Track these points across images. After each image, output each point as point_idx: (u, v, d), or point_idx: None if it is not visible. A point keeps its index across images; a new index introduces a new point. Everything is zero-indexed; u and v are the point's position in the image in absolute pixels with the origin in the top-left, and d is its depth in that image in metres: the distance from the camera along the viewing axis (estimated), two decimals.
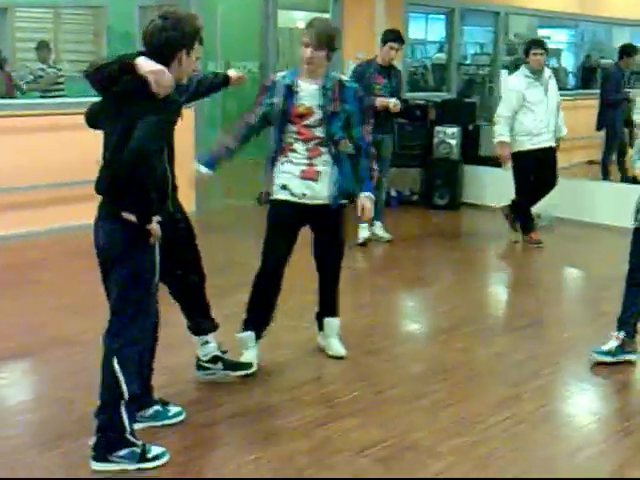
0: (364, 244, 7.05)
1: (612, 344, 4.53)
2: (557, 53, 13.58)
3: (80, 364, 4.36)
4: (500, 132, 7.11)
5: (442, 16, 11.75)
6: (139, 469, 3.31)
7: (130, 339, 3.32)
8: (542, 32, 13.62)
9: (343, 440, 3.60)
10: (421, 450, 3.54)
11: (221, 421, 3.78)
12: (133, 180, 3.10)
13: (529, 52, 7.11)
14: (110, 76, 3.17)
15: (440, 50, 12.43)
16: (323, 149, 4.17)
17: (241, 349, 4.31)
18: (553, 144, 7.20)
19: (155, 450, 3.38)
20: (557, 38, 14.60)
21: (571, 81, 14.17)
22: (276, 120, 4.18)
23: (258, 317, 4.32)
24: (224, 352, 4.14)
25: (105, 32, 10.93)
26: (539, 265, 6.92)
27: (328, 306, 4.55)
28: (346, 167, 4.22)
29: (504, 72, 11.26)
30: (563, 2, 11.66)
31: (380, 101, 6.98)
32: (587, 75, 13.74)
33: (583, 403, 4.28)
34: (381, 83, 7.12)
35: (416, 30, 11.86)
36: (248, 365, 4.20)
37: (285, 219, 4.22)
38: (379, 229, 7.31)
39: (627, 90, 9.54)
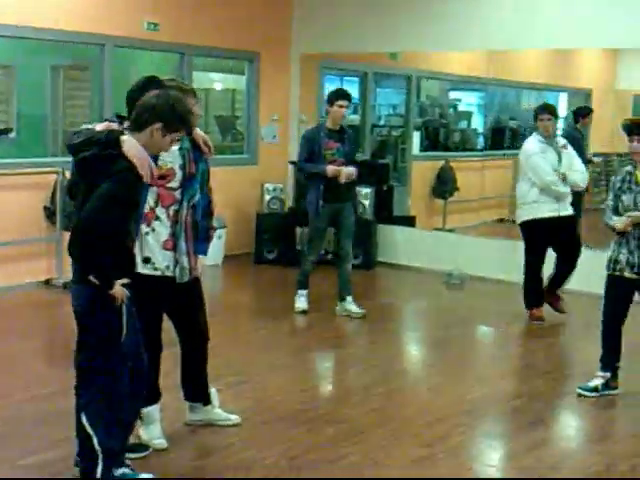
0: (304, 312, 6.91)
1: (598, 382, 5.04)
2: (468, 115, 13.98)
3: None
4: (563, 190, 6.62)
5: (356, 78, 11.99)
6: None
7: (96, 395, 3.36)
8: (453, 94, 14.02)
9: None
10: None
11: None
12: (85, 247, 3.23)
13: (537, 118, 6.74)
14: (83, 144, 3.31)
15: (354, 111, 12.65)
16: None
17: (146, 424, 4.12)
18: (569, 212, 6.74)
19: None
20: (467, 100, 15.03)
21: (481, 142, 14.58)
22: None
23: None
24: None
25: (15, 91, 10.75)
26: (452, 322, 6.98)
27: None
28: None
29: (416, 134, 11.55)
30: (472, 66, 12.02)
31: (331, 169, 6.55)
32: (496, 136, 14.15)
33: (493, 462, 4.30)
34: (333, 148, 6.68)
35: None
36: (144, 447, 4.05)
37: None
38: (350, 304, 6.88)
39: (590, 153, 9.56)
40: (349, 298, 6.89)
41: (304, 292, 7.00)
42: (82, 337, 3.41)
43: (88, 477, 3.41)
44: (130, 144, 3.31)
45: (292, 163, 9.60)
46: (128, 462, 3.62)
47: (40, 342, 5.79)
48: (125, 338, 3.42)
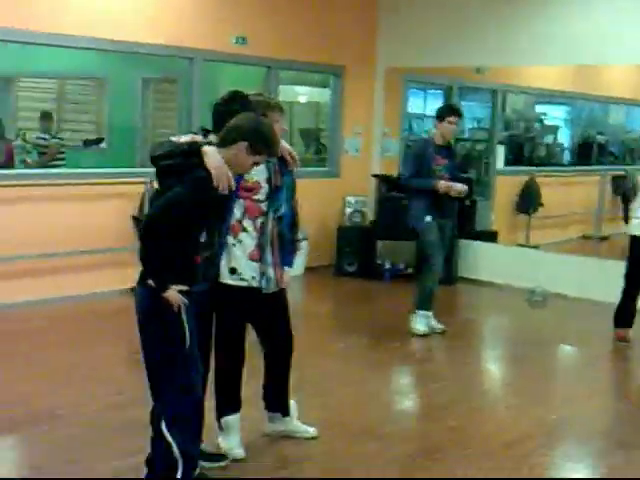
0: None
1: None
2: (554, 129, 13.76)
3: (61, 439, 4.32)
4: None
5: (440, 91, 11.94)
6: None
7: (172, 403, 3.40)
8: (539, 108, 13.82)
9: None
10: None
11: None
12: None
13: None
14: (167, 154, 3.41)
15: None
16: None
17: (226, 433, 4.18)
18: None
19: None
20: (554, 114, 14.80)
21: (567, 157, 14.32)
22: None
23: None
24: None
25: (106, 103, 11.09)
26: (533, 340, 6.87)
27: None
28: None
29: (501, 148, 11.42)
30: (559, 80, 11.84)
31: (443, 185, 6.48)
32: (583, 151, 13.88)
33: None
34: (442, 164, 6.60)
35: (414, 104, 12.02)
36: (223, 456, 4.10)
37: None
38: (432, 320, 6.80)
39: None
40: (430, 313, 6.81)
41: (429, 313, 6.78)
42: (141, 337, 3.44)
43: None
44: (211, 155, 3.37)
45: (375, 176, 9.64)
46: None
47: (123, 349, 5.93)
48: (191, 346, 3.43)
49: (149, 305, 3.39)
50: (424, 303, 6.75)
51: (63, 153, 9.35)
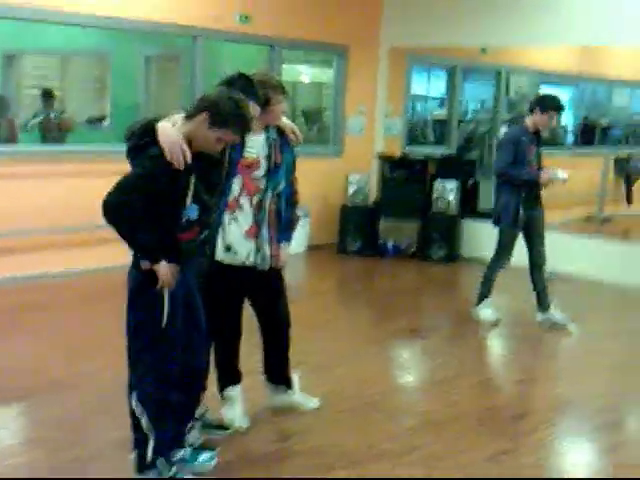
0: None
1: None
2: None
3: (74, 408, 4.38)
4: None
5: (444, 72, 11.91)
6: None
7: (144, 376, 3.41)
8: (543, 89, 13.79)
9: None
10: None
11: (210, 472, 3.72)
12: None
13: None
14: (131, 132, 3.33)
15: (441, 105, 12.57)
16: None
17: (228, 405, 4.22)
18: None
19: None
20: (558, 96, 14.77)
21: (570, 138, 14.30)
22: None
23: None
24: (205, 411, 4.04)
25: (109, 80, 11.07)
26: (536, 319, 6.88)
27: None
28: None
29: (503, 128, 11.38)
30: (564, 61, 11.80)
31: (546, 177, 6.20)
32: (586, 133, 13.87)
33: (579, 459, 4.24)
34: (532, 153, 6.30)
35: (417, 85, 11.99)
36: (226, 427, 4.13)
37: None
38: (556, 313, 6.54)
39: None
40: (553, 306, 6.59)
41: (489, 300, 6.67)
42: (127, 317, 3.44)
43: (140, 459, 3.45)
44: (162, 130, 3.26)
45: (380, 157, 9.63)
46: (188, 444, 3.66)
47: None
48: (170, 327, 3.39)
49: (133, 286, 3.39)
50: (489, 291, 6.65)
51: (66, 131, 9.35)
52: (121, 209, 3.21)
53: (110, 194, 3.22)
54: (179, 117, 3.40)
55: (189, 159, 3.26)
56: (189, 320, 3.50)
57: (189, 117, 3.33)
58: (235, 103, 3.31)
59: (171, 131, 3.27)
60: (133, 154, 3.32)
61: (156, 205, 3.26)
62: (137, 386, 3.43)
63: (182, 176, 3.28)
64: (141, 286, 3.37)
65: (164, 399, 3.44)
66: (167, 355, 3.42)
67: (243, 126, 3.35)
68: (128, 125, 3.44)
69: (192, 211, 3.36)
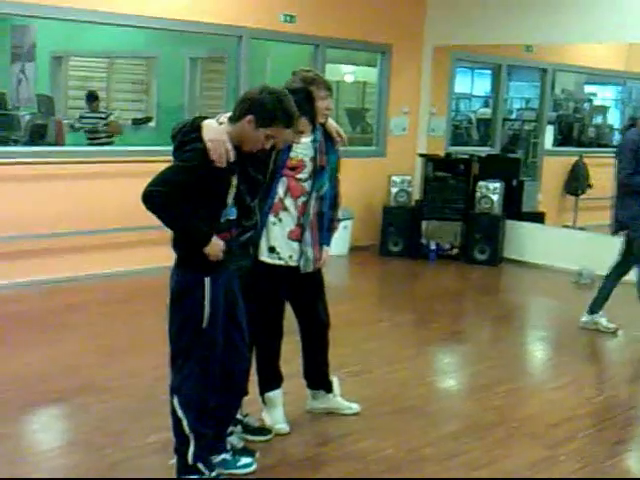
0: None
1: None
2: (603, 110, 13.54)
3: (112, 410, 4.43)
4: None
5: (488, 71, 11.82)
6: None
7: (186, 379, 3.42)
8: (589, 88, 13.61)
9: None
10: None
11: (251, 477, 3.73)
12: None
13: None
14: (177, 129, 3.37)
15: (485, 104, 12.48)
16: None
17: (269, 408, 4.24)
18: None
19: None
20: (604, 95, 14.56)
21: (617, 138, 14.10)
22: None
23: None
24: (245, 415, 4.10)
25: (155, 82, 11.19)
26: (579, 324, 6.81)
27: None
28: None
29: (549, 128, 11.28)
30: (611, 60, 11.64)
31: None
32: None
33: (621, 466, 4.20)
34: None
35: (461, 84, 11.92)
36: (267, 431, 4.15)
37: None
38: (604, 319, 6.43)
39: None
40: (602, 312, 6.45)
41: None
42: (169, 314, 3.46)
43: (181, 462, 3.49)
44: (208, 129, 3.30)
45: (421, 156, 9.60)
46: (229, 448, 3.70)
47: None
48: (211, 329, 3.41)
49: (175, 287, 3.42)
50: (606, 300, 6.42)
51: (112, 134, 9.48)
52: (159, 198, 3.24)
53: (150, 184, 3.26)
54: (225, 117, 3.43)
55: (232, 158, 3.29)
56: (230, 321, 3.53)
57: (234, 120, 3.35)
58: (277, 98, 3.33)
59: (216, 129, 3.32)
60: (179, 151, 3.36)
61: (195, 200, 3.28)
62: (179, 389, 3.46)
63: (224, 175, 3.31)
64: (183, 287, 3.40)
65: (205, 402, 3.47)
66: (208, 357, 3.45)
67: (289, 119, 3.36)
68: (174, 125, 3.49)
69: (232, 212, 3.40)
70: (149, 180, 3.27)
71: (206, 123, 3.32)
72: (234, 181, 3.35)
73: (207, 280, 3.38)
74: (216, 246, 3.33)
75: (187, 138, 3.31)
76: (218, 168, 3.27)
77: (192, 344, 3.42)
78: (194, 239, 3.35)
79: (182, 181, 3.26)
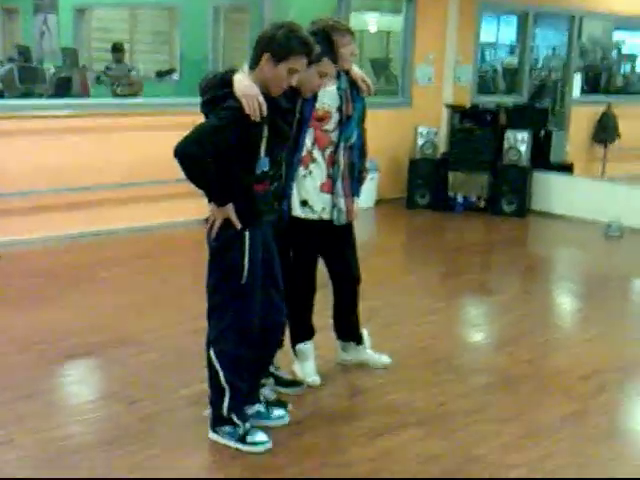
0: None
1: None
2: (632, 58, 13.30)
3: (144, 363, 4.46)
4: None
5: (514, 18, 11.61)
6: (236, 449, 3.50)
7: (223, 332, 3.45)
8: (618, 35, 13.35)
9: (405, 451, 3.59)
10: (485, 464, 3.51)
11: (283, 429, 3.74)
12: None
13: None
14: (207, 86, 3.33)
15: (511, 53, 12.28)
16: None
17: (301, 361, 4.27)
18: None
19: (258, 436, 3.52)
20: (633, 42, 14.29)
21: None
22: None
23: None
24: (277, 368, 4.12)
25: (178, 33, 11.09)
26: (609, 276, 6.78)
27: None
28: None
29: (577, 77, 11.10)
30: None
31: None
32: None
33: None
34: None
35: (487, 32, 11.72)
36: (299, 383, 4.17)
37: None
38: None
39: None
40: None
41: None
42: (207, 273, 3.48)
43: (215, 413, 3.53)
44: (239, 83, 3.25)
45: (448, 106, 9.48)
46: (262, 400, 3.73)
47: (200, 278, 6.04)
48: (249, 283, 3.41)
49: (215, 241, 3.42)
50: None
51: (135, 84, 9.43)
52: (193, 157, 3.21)
53: (184, 142, 3.21)
54: (247, 68, 3.39)
55: (265, 111, 3.25)
56: (267, 275, 3.53)
57: (252, 66, 3.32)
58: (288, 30, 3.27)
59: (248, 83, 3.27)
60: (210, 107, 3.32)
61: (230, 157, 3.27)
62: (216, 341, 3.48)
63: (257, 127, 3.28)
64: (223, 242, 3.40)
65: (241, 354, 3.49)
66: (246, 310, 3.46)
67: (305, 46, 3.29)
68: (201, 79, 3.45)
69: (264, 163, 3.38)
70: (182, 135, 3.24)
71: (237, 78, 3.27)
72: (265, 132, 3.32)
73: (247, 234, 3.38)
74: (226, 211, 3.34)
75: (219, 93, 3.27)
76: (253, 122, 3.24)
77: (230, 298, 3.43)
78: (211, 199, 3.35)
79: (219, 141, 3.24)
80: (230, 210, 3.34)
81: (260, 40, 3.31)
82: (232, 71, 3.33)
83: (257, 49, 3.30)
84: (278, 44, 3.24)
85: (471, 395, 4.24)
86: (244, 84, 3.25)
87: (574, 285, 6.81)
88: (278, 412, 3.78)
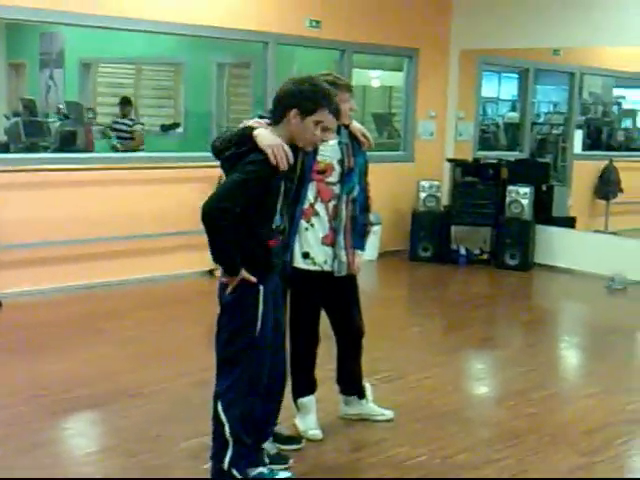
0: None
1: None
2: (633, 113, 13.41)
3: (146, 415, 4.42)
4: None
5: (515, 74, 11.75)
6: None
7: (234, 383, 3.40)
8: (617, 91, 13.49)
9: None
10: None
11: None
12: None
13: None
14: (224, 143, 3.34)
15: (512, 109, 12.40)
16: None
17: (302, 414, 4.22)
18: None
19: None
20: (633, 98, 14.43)
21: None
22: None
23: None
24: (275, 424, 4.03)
25: (182, 88, 11.23)
26: (613, 330, 6.74)
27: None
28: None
29: (578, 132, 11.18)
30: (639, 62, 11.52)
31: None
32: None
33: None
34: None
35: (488, 88, 11.85)
36: (299, 439, 4.11)
37: None
38: None
39: None
40: None
41: None
42: (219, 326, 3.45)
43: (216, 467, 3.46)
44: (262, 136, 3.26)
45: (450, 161, 9.55)
46: (267, 462, 3.66)
47: (205, 329, 6.00)
48: (262, 333, 3.40)
49: (229, 296, 3.38)
50: None
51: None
52: (222, 215, 3.18)
53: (213, 198, 3.20)
54: (254, 122, 3.41)
55: (292, 160, 3.27)
56: (275, 326, 3.52)
57: (277, 122, 3.33)
58: (312, 84, 3.32)
59: (271, 135, 3.29)
60: (231, 163, 3.31)
61: (250, 213, 3.25)
62: (225, 393, 3.44)
63: (278, 181, 3.29)
64: (237, 297, 3.35)
65: (249, 409, 3.46)
66: (258, 361, 3.44)
67: (331, 100, 3.34)
68: (215, 138, 3.47)
69: (279, 217, 3.40)
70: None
71: (258, 132, 3.28)
72: (282, 186, 3.35)
73: (261, 289, 3.36)
74: (240, 275, 3.31)
75: (242, 150, 3.27)
76: (275, 175, 3.25)
77: (243, 350, 3.40)
78: (225, 265, 3.33)
79: (249, 194, 3.23)
80: (244, 273, 3.32)
81: (284, 96, 3.33)
82: (250, 128, 3.34)
83: (281, 105, 3.32)
84: (306, 98, 3.27)
85: (475, 449, 4.18)
86: (268, 137, 3.27)
87: (578, 339, 6.77)
88: (283, 475, 3.70)
